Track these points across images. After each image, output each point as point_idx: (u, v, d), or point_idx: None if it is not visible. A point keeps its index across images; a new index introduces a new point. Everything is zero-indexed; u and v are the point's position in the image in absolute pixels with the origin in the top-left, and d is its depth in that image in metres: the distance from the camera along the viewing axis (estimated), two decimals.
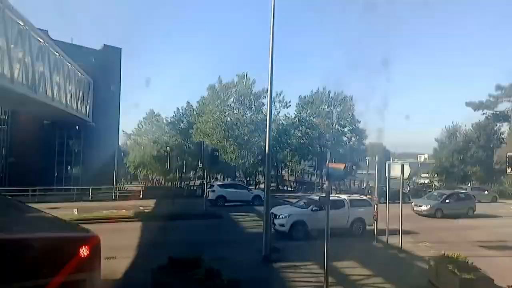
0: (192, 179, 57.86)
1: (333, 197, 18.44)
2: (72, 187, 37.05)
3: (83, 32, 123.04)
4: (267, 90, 40.50)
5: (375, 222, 17.64)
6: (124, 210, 26.66)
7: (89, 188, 35.49)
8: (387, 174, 17.63)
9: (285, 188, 53.09)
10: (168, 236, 18.69)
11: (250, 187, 37.24)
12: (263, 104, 41.36)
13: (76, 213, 24.74)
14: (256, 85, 41.13)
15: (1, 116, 41.15)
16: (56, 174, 42.15)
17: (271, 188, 51.31)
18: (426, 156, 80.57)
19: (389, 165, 17.61)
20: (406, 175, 17.56)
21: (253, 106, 41.02)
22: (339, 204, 19.00)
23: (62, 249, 4.08)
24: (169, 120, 53.15)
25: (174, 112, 52.74)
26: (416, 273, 13.15)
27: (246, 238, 19.20)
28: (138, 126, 58.04)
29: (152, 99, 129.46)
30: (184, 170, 54.11)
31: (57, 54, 31.92)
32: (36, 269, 3.83)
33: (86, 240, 4.33)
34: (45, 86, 29.25)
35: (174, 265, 10.58)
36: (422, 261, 14.47)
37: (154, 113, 56.57)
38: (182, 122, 50.95)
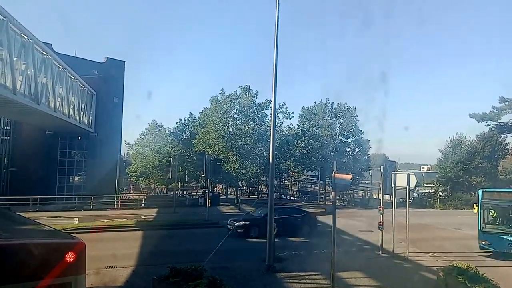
0: (194, 188, 57.65)
1: None
2: (73, 196, 36.88)
3: (88, 46, 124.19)
4: (270, 101, 40.43)
5: (381, 231, 17.30)
6: (125, 219, 26.39)
7: (91, 197, 35.24)
8: (393, 184, 17.35)
9: (287, 197, 52.85)
10: (169, 245, 18.45)
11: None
12: (266, 115, 41.34)
13: (77, 222, 24.46)
14: (258, 97, 41.15)
15: (4, 127, 41.13)
16: (57, 183, 42.06)
17: (276, 198, 50.47)
18: (429, 166, 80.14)
19: (395, 175, 17.34)
20: (412, 185, 17.28)
21: (256, 117, 40.79)
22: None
23: (48, 254, 4.31)
24: (172, 131, 52.99)
25: (177, 123, 52.65)
26: (424, 284, 12.78)
27: (249, 247, 18.84)
28: (141, 137, 58.07)
29: (155, 111, 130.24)
30: (186, 180, 53.90)
31: (60, 66, 32.01)
32: (22, 273, 4.05)
33: (71, 246, 4.62)
34: (48, 97, 29.31)
35: (176, 275, 10.31)
36: (429, 272, 14.12)
37: (156, 124, 56.69)
38: (185, 133, 50.78)
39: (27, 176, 37.73)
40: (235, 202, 41.48)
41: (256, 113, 40.70)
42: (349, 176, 9.94)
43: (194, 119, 50.96)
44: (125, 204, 37.15)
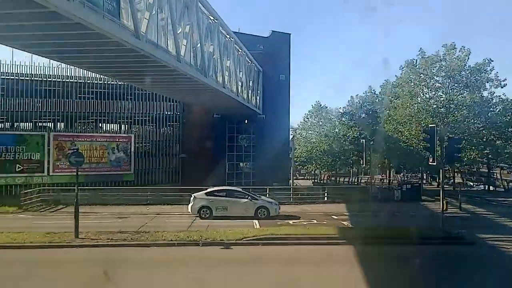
0: (374, 177, 49.79)
1: None
2: (243, 186, 32.22)
3: (250, 21, 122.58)
4: (490, 61, 29.12)
5: None
6: (315, 221, 20.12)
7: (266, 188, 28.69)
8: None
9: (496, 189, 39.94)
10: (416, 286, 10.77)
11: None
12: (487, 81, 30.55)
13: (258, 225, 18.80)
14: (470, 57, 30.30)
15: (175, 112, 39.23)
16: (227, 170, 39.00)
17: (479, 189, 37.93)
18: None
19: None
20: None
21: (469, 84, 30.43)
22: None
23: None
24: (342, 111, 46.37)
25: (348, 101, 45.86)
26: None
27: None
28: (304, 120, 54.49)
29: (319, 90, 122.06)
30: (361, 165, 46.66)
31: (227, 35, 27.48)
32: None
33: None
34: (216, 70, 24.90)
35: None
36: None
37: (320, 105, 51.86)
38: (361, 110, 43.12)
39: (197, 163, 35.29)
40: (439, 195, 31.50)
41: (470, 78, 30.21)
42: None
43: (374, 93, 42.68)
44: (299, 197, 30.15)
